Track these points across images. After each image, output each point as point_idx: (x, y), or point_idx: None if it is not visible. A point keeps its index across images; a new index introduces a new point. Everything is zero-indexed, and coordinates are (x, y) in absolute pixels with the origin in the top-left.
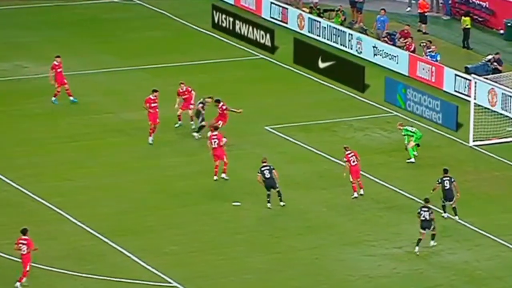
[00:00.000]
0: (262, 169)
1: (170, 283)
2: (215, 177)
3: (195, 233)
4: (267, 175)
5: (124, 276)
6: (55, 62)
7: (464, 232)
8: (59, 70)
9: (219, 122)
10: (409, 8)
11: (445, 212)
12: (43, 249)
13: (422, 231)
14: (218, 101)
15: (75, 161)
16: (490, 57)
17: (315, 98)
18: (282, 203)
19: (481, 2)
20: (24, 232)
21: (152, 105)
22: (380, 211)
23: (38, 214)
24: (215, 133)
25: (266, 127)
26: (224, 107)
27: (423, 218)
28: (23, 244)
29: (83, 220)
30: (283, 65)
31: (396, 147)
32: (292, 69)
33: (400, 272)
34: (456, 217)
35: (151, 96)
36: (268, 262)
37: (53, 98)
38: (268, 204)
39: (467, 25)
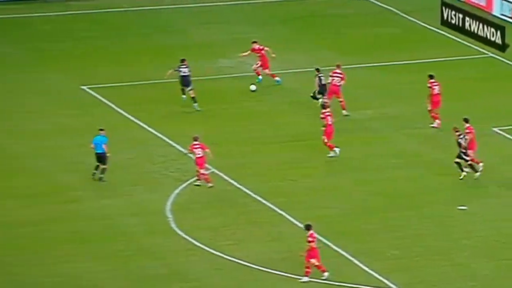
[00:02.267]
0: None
1: None
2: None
3: (418, 237)
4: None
5: (345, 280)
6: (254, 47)
7: None
8: (258, 54)
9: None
10: None
11: None
12: (264, 250)
13: None
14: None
15: (298, 160)
16: None
17: None
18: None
19: None
20: (308, 227)
21: None
22: None
23: (260, 215)
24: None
25: (494, 128)
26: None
27: None
28: (313, 238)
29: (305, 222)
30: None
31: None
32: None
33: None
34: None
35: None
36: (495, 268)
37: (277, 78)
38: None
39: None
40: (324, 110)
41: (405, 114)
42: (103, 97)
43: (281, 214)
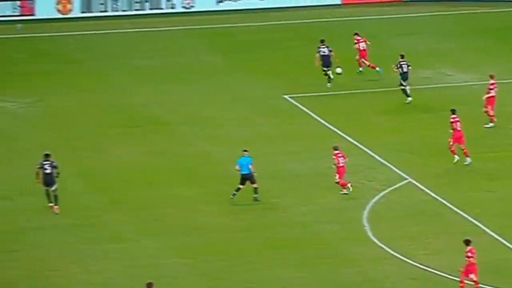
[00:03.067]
0: None
1: None
2: None
3: None
4: None
5: None
6: (358, 38)
7: None
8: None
9: None
10: None
11: None
12: (460, 261)
13: None
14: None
15: (493, 171)
16: None
17: None
18: None
19: None
20: (467, 243)
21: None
22: None
23: (456, 225)
24: None
25: None
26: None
27: None
28: (472, 253)
29: (501, 233)
30: None
31: None
32: None
33: None
34: None
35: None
36: None
37: (378, 69)
38: None
39: None
40: (453, 115)
41: None
42: (304, 106)
43: (477, 225)
